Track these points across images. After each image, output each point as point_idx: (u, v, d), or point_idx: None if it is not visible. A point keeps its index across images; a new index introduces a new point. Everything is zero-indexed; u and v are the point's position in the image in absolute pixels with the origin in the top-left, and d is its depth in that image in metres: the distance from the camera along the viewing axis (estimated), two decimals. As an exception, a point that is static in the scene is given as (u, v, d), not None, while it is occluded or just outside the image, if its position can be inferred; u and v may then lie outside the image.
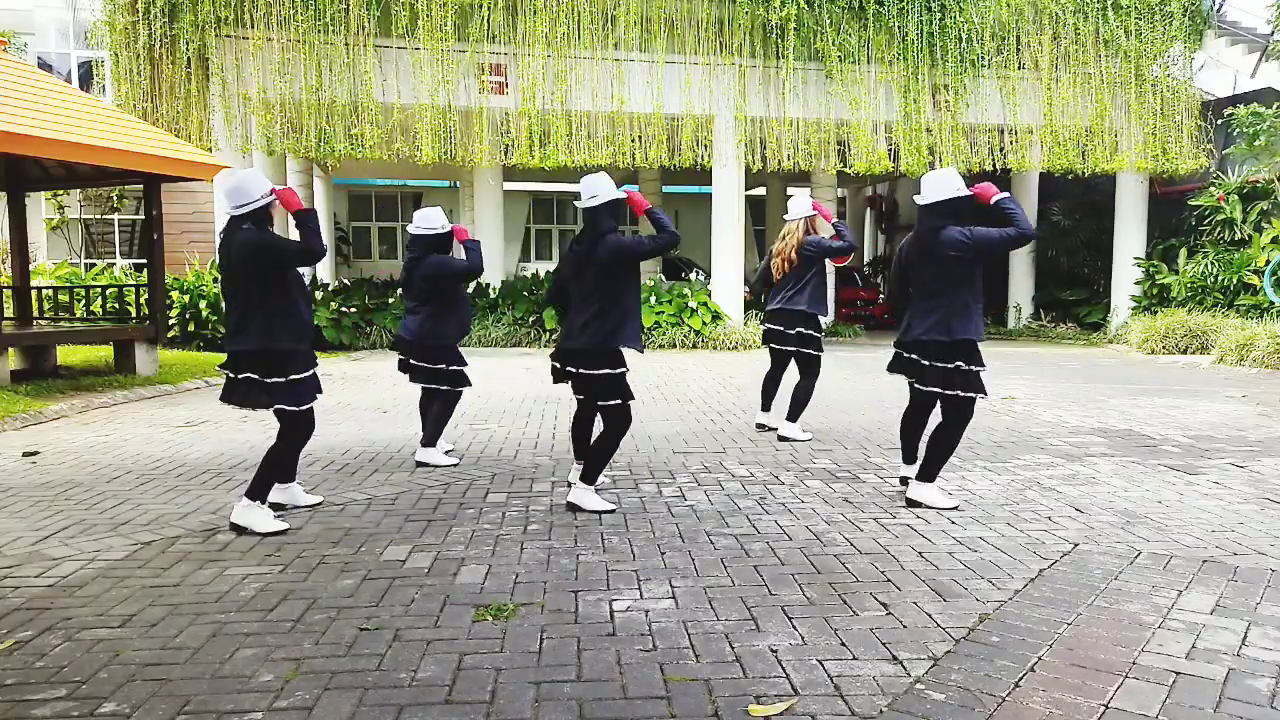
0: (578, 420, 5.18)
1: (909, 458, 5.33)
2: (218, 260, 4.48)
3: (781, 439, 6.92)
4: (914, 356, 4.91)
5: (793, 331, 6.92)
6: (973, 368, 4.80)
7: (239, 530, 4.42)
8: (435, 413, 5.97)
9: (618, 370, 4.76)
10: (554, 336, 15.14)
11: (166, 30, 13.38)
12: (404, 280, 5.98)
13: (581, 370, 4.75)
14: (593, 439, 5.01)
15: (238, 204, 4.41)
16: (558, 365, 4.91)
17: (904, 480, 5.30)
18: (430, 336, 5.88)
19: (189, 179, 10.89)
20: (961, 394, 4.78)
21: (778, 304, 6.99)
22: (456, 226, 5.96)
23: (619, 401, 4.75)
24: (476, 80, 14.19)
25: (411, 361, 5.94)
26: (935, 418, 5.11)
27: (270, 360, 4.41)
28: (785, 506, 4.95)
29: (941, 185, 4.76)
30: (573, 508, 4.85)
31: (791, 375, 7.20)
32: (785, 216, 7.13)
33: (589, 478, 4.87)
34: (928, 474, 4.95)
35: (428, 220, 5.90)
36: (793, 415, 6.94)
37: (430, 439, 5.98)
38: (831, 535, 4.40)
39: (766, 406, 7.36)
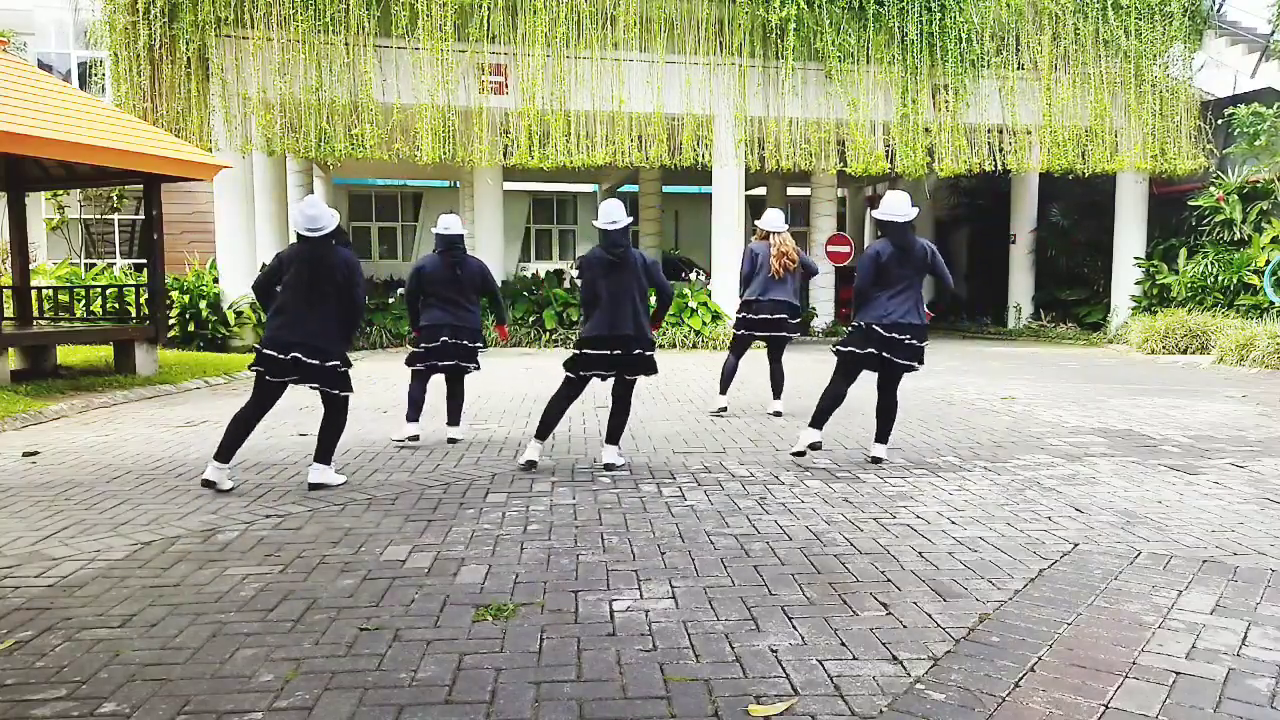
0: (563, 405, 5.92)
1: (820, 423, 6.19)
2: (290, 262, 5.35)
3: (777, 414, 8.04)
4: (895, 336, 5.88)
5: (795, 320, 8.06)
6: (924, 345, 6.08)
7: (317, 488, 5.33)
8: (458, 394, 6.93)
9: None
10: (553, 336, 15.20)
11: (166, 30, 13.37)
12: (445, 278, 6.65)
13: (642, 351, 5.77)
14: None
15: (324, 226, 5.27)
16: (612, 351, 5.72)
17: (877, 459, 6.16)
18: (480, 325, 6.85)
19: (189, 179, 10.89)
20: (918, 366, 6.05)
21: (779, 295, 7.90)
22: None
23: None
24: (476, 80, 14.18)
25: (465, 345, 6.69)
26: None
27: (345, 354, 5.50)
28: (785, 506, 4.95)
29: (908, 206, 5.93)
30: (610, 468, 5.87)
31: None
32: (766, 226, 8.03)
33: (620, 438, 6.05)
34: (888, 436, 6.25)
35: (456, 225, 6.70)
36: (780, 392, 8.17)
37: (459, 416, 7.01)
38: (831, 535, 4.40)
39: (725, 390, 8.15)
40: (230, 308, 13.77)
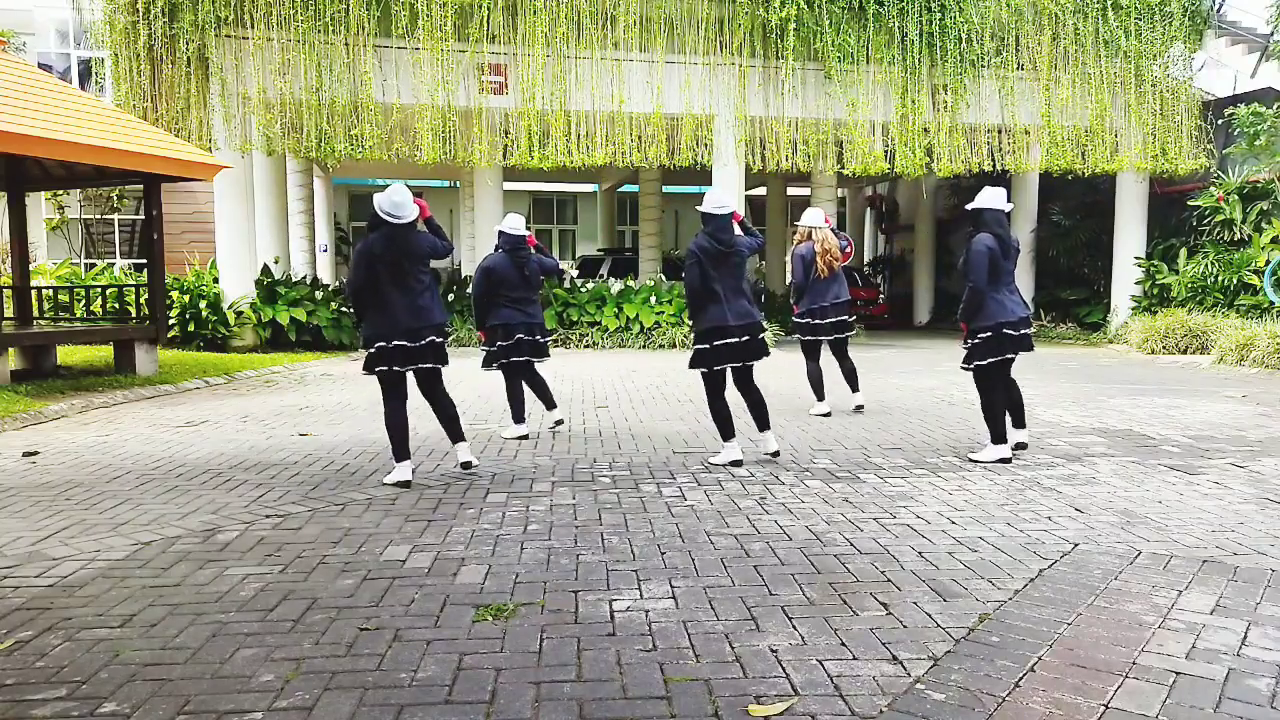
0: (722, 400, 5.96)
1: (1021, 421, 6.33)
2: (383, 256, 5.33)
3: (859, 409, 8.21)
4: (1023, 332, 5.93)
5: (852, 318, 8.24)
6: None
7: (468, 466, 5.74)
8: (538, 382, 7.13)
9: None
10: (554, 336, 15.20)
11: (166, 30, 13.36)
12: (516, 277, 6.83)
13: (762, 336, 5.89)
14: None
15: (404, 214, 5.31)
16: (746, 338, 5.80)
17: (1020, 445, 6.34)
18: (544, 318, 7.10)
19: (189, 179, 10.89)
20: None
21: (839, 295, 8.00)
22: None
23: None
24: (476, 80, 14.18)
25: (539, 340, 6.95)
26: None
27: (445, 329, 5.61)
28: (785, 506, 4.95)
29: (1005, 199, 6.02)
30: (777, 455, 6.10)
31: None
32: (810, 223, 8.02)
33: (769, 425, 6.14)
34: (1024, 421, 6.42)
35: (521, 225, 6.93)
36: (858, 385, 8.32)
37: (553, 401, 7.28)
38: (831, 535, 4.40)
39: (823, 395, 8.13)
40: (230, 308, 13.77)
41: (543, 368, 7.39)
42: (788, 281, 8.23)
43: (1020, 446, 6.25)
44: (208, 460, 6.23)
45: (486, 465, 6.07)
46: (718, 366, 5.85)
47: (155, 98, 13.62)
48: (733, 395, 6.03)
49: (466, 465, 5.73)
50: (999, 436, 6.05)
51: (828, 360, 8.29)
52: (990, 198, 5.99)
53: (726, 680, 2.84)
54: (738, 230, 6.12)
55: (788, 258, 8.42)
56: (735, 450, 5.98)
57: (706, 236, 5.85)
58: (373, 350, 5.38)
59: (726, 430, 5.99)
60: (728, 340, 5.76)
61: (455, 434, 5.74)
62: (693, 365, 5.92)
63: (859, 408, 8.22)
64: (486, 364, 7.01)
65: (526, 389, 7.17)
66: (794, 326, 8.19)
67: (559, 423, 7.24)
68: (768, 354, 6.01)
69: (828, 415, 7.98)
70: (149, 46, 13.40)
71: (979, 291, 5.85)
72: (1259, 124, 14.02)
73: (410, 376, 5.57)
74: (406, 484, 5.42)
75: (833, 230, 8.07)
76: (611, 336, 15.50)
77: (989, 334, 5.88)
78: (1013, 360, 6.01)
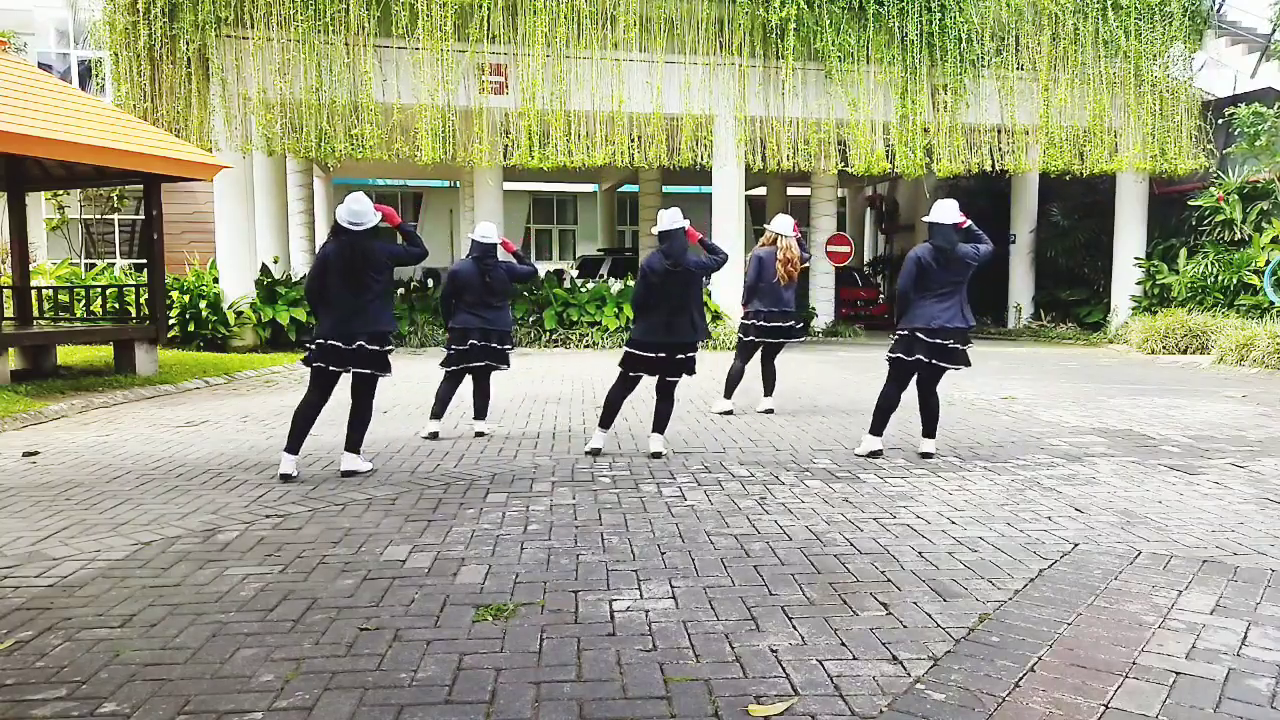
0: (621, 398, 6.37)
1: (879, 429, 6.34)
2: (335, 261, 5.51)
3: (769, 411, 8.21)
4: (939, 341, 6.00)
5: (800, 325, 8.40)
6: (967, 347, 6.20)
7: (350, 475, 5.67)
8: (485, 390, 7.19)
9: None
10: (552, 336, 15.21)
11: (166, 30, 13.37)
12: (478, 283, 6.87)
13: (690, 354, 6.24)
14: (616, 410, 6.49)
15: (363, 222, 5.46)
16: (663, 355, 6.12)
17: (927, 454, 6.31)
18: (510, 324, 7.15)
19: (189, 179, 10.89)
20: (963, 367, 6.19)
21: (788, 303, 8.14)
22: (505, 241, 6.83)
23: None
24: (476, 80, 14.18)
25: (494, 347, 6.98)
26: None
27: (388, 337, 5.73)
28: (785, 506, 4.95)
29: (954, 211, 6.09)
30: (656, 456, 6.28)
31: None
32: (776, 229, 8.16)
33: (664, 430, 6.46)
34: (934, 432, 6.39)
35: (493, 234, 7.01)
36: (773, 390, 8.41)
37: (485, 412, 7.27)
38: (831, 535, 4.40)
39: (731, 395, 8.26)
40: (230, 308, 13.77)
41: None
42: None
43: (926, 456, 6.27)
44: (208, 460, 6.23)
45: (486, 465, 6.07)
46: (633, 373, 6.26)
47: (155, 98, 13.62)
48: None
49: (347, 474, 5.70)
50: (876, 428, 6.28)
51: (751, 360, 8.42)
52: (940, 211, 6.13)
53: (726, 680, 2.84)
54: (701, 251, 6.37)
55: (746, 257, 8.44)
56: (600, 439, 6.38)
57: (659, 255, 6.11)
58: (311, 346, 5.62)
59: (607, 420, 6.39)
60: (647, 354, 6.16)
61: (353, 441, 5.76)
62: (620, 364, 6.32)
63: (768, 411, 8.23)
64: (443, 364, 7.09)
65: (487, 394, 7.26)
66: (741, 327, 8.28)
67: (479, 434, 7.17)
68: (692, 372, 6.34)
69: (729, 413, 8.10)
70: (149, 46, 13.41)
71: (903, 295, 6.20)
72: (1259, 124, 14.03)
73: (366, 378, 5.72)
74: (288, 477, 5.52)
75: (798, 241, 8.16)
76: (612, 336, 15.50)
77: (905, 333, 6.15)
78: (941, 371, 6.15)
